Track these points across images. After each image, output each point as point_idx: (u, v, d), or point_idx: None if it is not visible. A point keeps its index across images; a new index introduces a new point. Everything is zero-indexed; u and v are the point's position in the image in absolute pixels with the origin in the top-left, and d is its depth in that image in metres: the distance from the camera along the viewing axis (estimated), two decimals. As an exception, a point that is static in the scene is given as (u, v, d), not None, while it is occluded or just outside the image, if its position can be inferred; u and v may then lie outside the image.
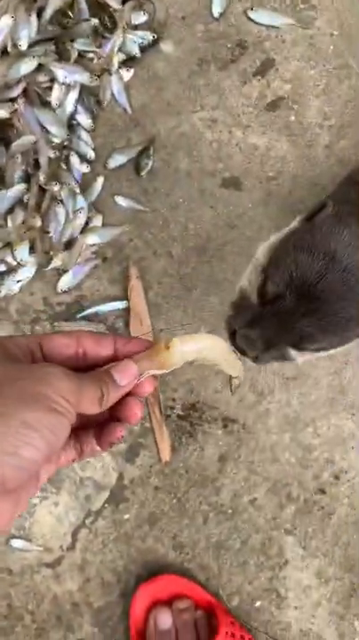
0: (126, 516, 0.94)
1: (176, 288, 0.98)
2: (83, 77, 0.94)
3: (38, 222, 0.92)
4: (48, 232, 0.93)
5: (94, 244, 0.96)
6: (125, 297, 0.96)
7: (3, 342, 0.40)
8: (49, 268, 0.95)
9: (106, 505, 0.94)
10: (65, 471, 0.92)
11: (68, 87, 0.94)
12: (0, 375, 0.37)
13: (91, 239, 0.96)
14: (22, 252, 0.92)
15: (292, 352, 0.68)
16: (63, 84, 0.93)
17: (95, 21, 0.94)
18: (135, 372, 0.43)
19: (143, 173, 0.98)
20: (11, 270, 0.93)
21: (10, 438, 0.35)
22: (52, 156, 0.94)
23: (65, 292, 0.95)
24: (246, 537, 0.95)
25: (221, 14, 1.01)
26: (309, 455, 0.97)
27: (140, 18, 0.99)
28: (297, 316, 0.63)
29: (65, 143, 0.95)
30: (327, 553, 0.96)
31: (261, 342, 0.64)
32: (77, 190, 0.95)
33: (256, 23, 1.01)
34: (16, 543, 0.90)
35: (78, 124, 0.97)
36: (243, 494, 0.96)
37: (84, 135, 0.97)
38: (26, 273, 0.93)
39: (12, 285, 0.93)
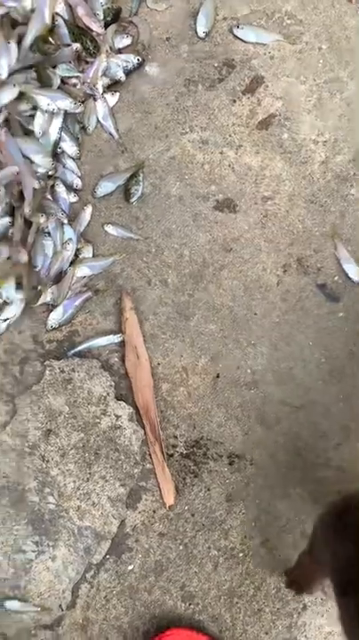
0: (130, 567, 0.87)
1: (172, 317, 0.93)
2: (66, 104, 0.90)
3: (24, 257, 0.87)
4: (35, 266, 0.89)
5: (85, 277, 0.91)
6: (120, 330, 0.91)
7: None
8: (38, 304, 0.90)
9: (107, 556, 0.87)
10: (61, 522, 0.85)
11: (52, 114, 0.90)
12: None
13: (82, 271, 0.91)
14: (8, 289, 0.87)
15: None
16: (46, 111, 0.89)
17: (77, 46, 0.91)
18: None
19: (133, 200, 0.94)
20: (-2, 308, 0.88)
21: None
22: (37, 186, 0.89)
23: (55, 328, 0.90)
24: (260, 582, 0.88)
25: (207, 34, 0.98)
26: (322, 488, 0.91)
27: (124, 41, 0.96)
28: None
29: (50, 172, 0.91)
30: (348, 596, 0.89)
31: None
32: (65, 221, 0.91)
33: (243, 41, 0.98)
34: (11, 605, 0.83)
35: (63, 152, 0.93)
36: (253, 536, 0.89)
37: (70, 163, 0.93)
38: (13, 311, 0.88)
39: (-1, 324, 0.88)
